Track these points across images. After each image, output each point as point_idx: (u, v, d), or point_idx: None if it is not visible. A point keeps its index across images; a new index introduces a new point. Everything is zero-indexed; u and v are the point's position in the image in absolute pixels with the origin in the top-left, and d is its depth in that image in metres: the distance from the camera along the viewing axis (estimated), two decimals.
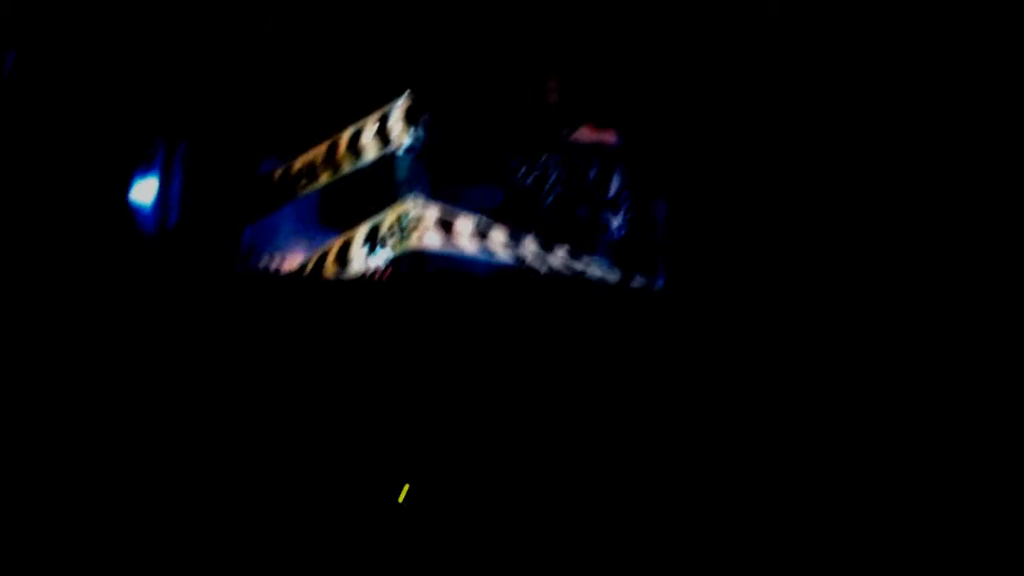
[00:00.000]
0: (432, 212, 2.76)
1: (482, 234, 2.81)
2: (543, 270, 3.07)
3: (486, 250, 2.84)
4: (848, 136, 3.58)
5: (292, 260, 3.25)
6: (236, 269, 3.50)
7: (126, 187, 3.53)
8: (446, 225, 2.77)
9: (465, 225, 2.80)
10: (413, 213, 2.74)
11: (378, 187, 2.87)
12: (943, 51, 3.25)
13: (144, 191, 4.12)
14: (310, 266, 2.92)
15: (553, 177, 3.44)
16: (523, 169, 3.52)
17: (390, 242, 2.75)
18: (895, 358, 2.84)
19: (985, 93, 3.20)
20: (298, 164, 2.93)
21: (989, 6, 3.13)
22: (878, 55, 3.42)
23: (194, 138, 3.54)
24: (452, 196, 3.12)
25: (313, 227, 3.93)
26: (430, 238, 2.75)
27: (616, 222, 3.47)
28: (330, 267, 2.87)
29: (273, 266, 3.67)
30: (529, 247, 2.93)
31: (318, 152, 2.90)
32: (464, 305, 2.71)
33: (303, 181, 2.94)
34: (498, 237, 2.86)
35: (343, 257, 2.84)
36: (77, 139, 3.24)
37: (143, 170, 3.73)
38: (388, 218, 2.77)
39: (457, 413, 2.56)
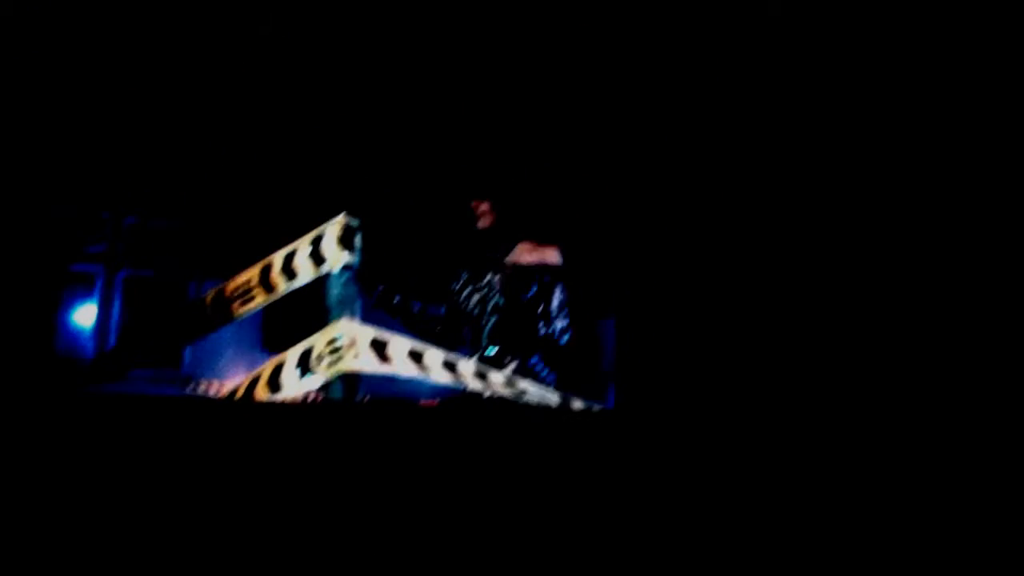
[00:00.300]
0: (366, 333, 2.70)
1: (417, 356, 2.75)
2: (484, 393, 2.99)
3: (422, 372, 2.78)
4: (794, 250, 3.60)
5: (230, 384, 3.17)
6: (170, 394, 3.40)
7: (62, 312, 3.47)
8: (380, 347, 2.70)
9: (400, 347, 2.73)
10: (346, 335, 2.68)
11: (313, 309, 2.82)
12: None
13: (84, 316, 4.07)
14: (241, 390, 2.83)
15: (494, 297, 3.41)
16: (465, 289, 3.50)
17: (323, 364, 2.68)
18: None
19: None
20: (232, 286, 2.88)
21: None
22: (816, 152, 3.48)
23: (133, 263, 3.52)
24: (388, 317, 3.08)
25: (256, 350, 3.87)
26: (364, 360, 2.68)
27: (560, 342, 3.43)
28: (261, 391, 2.78)
29: (211, 390, 3.58)
30: (467, 369, 2.87)
31: (252, 274, 2.85)
32: (399, 433, 2.61)
33: (237, 303, 2.88)
34: (435, 359, 2.79)
35: (275, 381, 2.76)
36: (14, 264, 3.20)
37: (83, 296, 3.69)
38: (321, 340, 2.71)
39: (391, 552, 2.43)
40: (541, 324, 3.39)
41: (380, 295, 3.38)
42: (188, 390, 3.45)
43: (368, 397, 3.54)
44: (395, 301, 3.41)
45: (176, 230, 3.51)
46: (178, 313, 3.07)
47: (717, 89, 3.40)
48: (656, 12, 3.33)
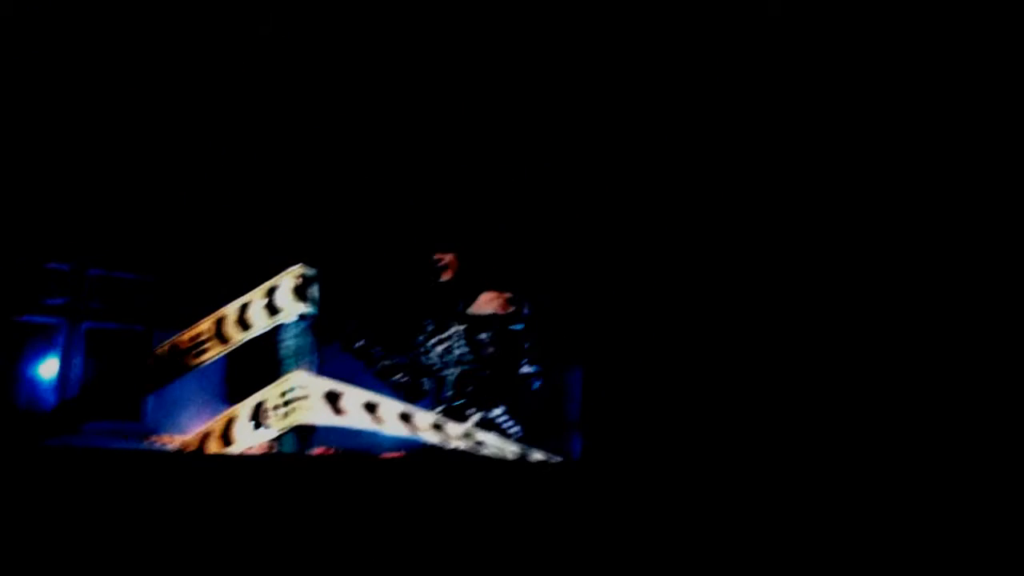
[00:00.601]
0: (319, 385, 2.66)
1: (372, 408, 2.71)
2: (443, 445, 2.95)
3: (377, 424, 2.73)
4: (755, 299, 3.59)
5: (186, 437, 3.12)
6: (126, 447, 3.35)
7: (21, 364, 3.43)
8: (334, 398, 2.67)
9: (354, 399, 2.70)
10: (299, 386, 2.64)
11: (267, 360, 2.79)
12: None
13: (47, 369, 4.03)
14: (194, 444, 2.79)
15: (458, 348, 3.38)
16: (429, 340, 3.47)
17: (275, 417, 2.64)
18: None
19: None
20: (186, 337, 2.85)
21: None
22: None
23: (95, 315, 3.48)
24: (344, 368, 3.04)
25: (218, 402, 3.82)
26: (317, 412, 2.64)
27: (529, 389, 3.39)
28: (214, 445, 2.73)
29: (171, 444, 3.53)
30: (424, 421, 2.83)
31: (206, 325, 2.82)
32: (352, 487, 2.56)
33: (191, 355, 2.85)
34: (390, 411, 2.75)
35: (227, 435, 2.71)
36: None
37: (46, 349, 3.65)
38: (274, 392, 2.67)
39: None
40: (507, 375, 3.36)
41: (345, 337, 3.37)
42: (146, 444, 3.40)
43: (333, 449, 3.49)
44: (358, 345, 3.39)
45: (140, 282, 3.49)
46: (132, 365, 3.04)
47: (675, 142, 3.42)
48: (611, 61, 3.36)
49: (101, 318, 3.52)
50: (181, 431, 3.36)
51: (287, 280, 2.75)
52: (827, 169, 3.38)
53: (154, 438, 3.40)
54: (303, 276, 2.76)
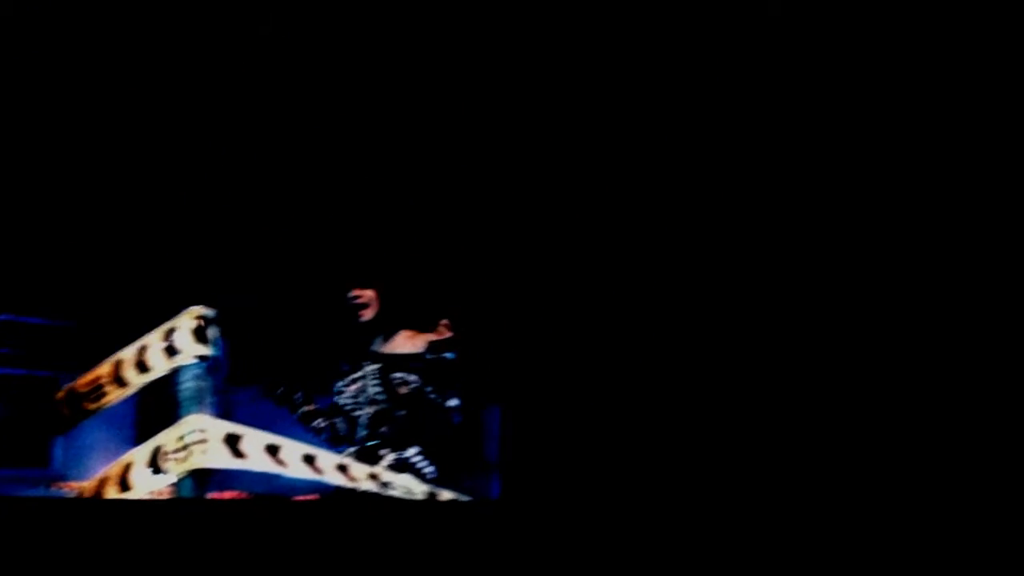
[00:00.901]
0: (218, 428, 2.62)
1: (274, 450, 2.66)
2: (352, 487, 2.91)
3: (279, 467, 2.69)
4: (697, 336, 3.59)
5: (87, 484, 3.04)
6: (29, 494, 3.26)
7: None
8: (233, 441, 2.62)
9: (255, 441, 2.65)
10: (198, 430, 2.60)
11: (166, 404, 2.74)
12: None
13: None
14: (91, 490, 2.72)
15: (370, 388, 3.34)
16: (341, 381, 3.43)
17: (173, 461, 2.59)
18: None
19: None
20: (83, 382, 2.79)
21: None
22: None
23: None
24: (249, 410, 3.00)
25: (128, 446, 3.73)
26: (214, 456, 2.59)
27: (445, 428, 3.36)
28: (111, 490, 2.67)
29: (72, 491, 3.44)
30: (327, 462, 2.79)
31: (104, 369, 2.77)
32: (255, 534, 2.50)
33: (89, 400, 2.79)
34: (293, 452, 2.71)
35: (124, 480, 2.65)
36: None
37: None
38: (171, 436, 2.62)
39: None
40: (427, 410, 3.32)
41: (265, 383, 3.33)
42: (52, 490, 3.32)
43: (246, 493, 3.42)
44: (279, 391, 3.35)
45: (48, 327, 3.43)
46: (31, 412, 2.96)
47: (593, 169, 3.44)
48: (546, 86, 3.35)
49: (7, 364, 3.46)
50: (90, 477, 3.27)
51: (186, 321, 2.71)
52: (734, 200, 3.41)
53: (61, 484, 3.33)
54: (202, 317, 2.72)
